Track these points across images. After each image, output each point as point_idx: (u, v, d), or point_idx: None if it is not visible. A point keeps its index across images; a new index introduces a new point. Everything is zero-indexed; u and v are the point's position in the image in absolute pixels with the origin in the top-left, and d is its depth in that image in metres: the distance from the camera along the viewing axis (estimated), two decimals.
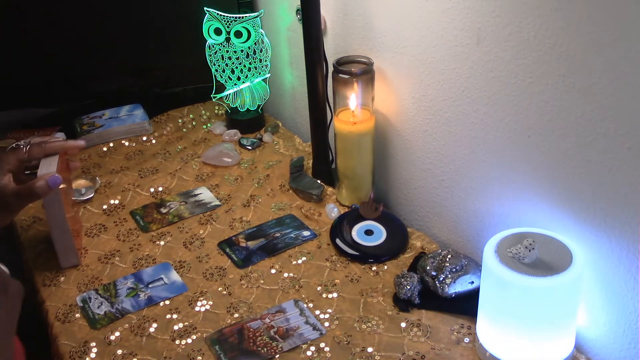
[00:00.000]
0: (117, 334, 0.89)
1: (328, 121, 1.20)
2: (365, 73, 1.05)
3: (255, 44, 1.35)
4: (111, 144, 1.38)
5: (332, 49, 1.21)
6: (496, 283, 0.76)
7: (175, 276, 1.00)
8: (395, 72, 1.05)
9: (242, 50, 1.34)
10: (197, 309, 0.94)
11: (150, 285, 0.98)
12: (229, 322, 0.91)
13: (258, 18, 1.32)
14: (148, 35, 1.46)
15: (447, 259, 0.92)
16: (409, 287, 0.91)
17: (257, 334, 0.88)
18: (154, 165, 1.31)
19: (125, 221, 1.15)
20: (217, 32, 1.33)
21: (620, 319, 0.77)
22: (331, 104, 1.16)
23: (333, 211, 1.13)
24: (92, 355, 0.86)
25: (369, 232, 1.06)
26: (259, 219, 1.14)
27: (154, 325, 0.91)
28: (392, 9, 1.01)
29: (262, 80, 1.40)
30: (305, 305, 0.93)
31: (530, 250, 0.74)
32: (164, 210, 1.17)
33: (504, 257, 0.75)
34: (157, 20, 1.45)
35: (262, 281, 0.99)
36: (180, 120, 1.46)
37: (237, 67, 1.36)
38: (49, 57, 1.42)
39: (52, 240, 0.99)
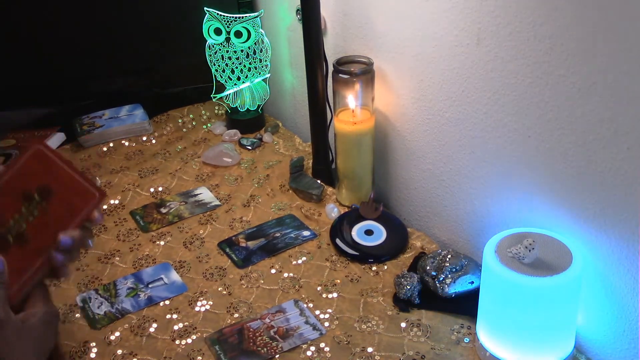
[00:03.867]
0: (117, 334, 0.89)
1: (328, 121, 1.20)
2: (365, 73, 1.05)
3: (255, 44, 1.35)
4: (111, 144, 1.38)
5: (332, 49, 1.21)
6: (496, 283, 0.76)
7: (175, 276, 1.00)
8: (395, 72, 1.05)
9: (242, 50, 1.34)
10: (197, 309, 0.94)
11: (150, 285, 0.98)
12: (229, 322, 0.91)
13: (258, 18, 1.32)
14: (148, 35, 1.46)
15: (447, 259, 0.92)
16: (409, 287, 0.91)
17: (257, 334, 0.88)
18: (154, 165, 1.31)
19: (125, 221, 1.15)
20: (217, 32, 1.33)
21: (620, 319, 0.77)
22: (331, 104, 1.16)
23: (333, 211, 1.13)
24: (92, 355, 0.86)
25: (369, 232, 1.06)
26: (259, 219, 1.14)
27: (154, 325, 0.91)
28: (392, 9, 1.01)
29: (262, 80, 1.40)
30: (305, 305, 0.93)
31: (530, 250, 0.74)
32: (164, 210, 1.17)
33: (504, 257, 0.75)
34: (157, 20, 1.45)
35: (262, 281, 0.99)
36: (180, 120, 1.46)
37: (237, 67, 1.36)
38: (49, 57, 1.42)
39: None
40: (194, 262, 1.04)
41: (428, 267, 0.92)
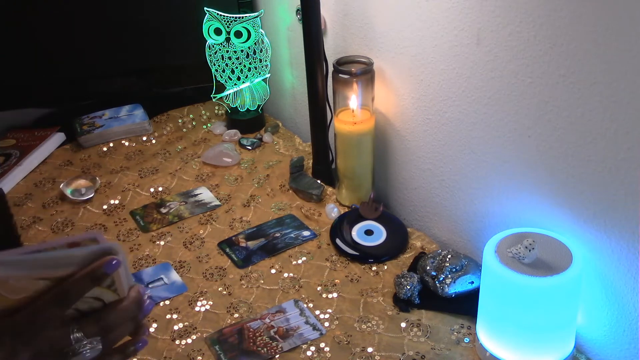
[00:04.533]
0: None
1: (328, 121, 1.20)
2: (365, 73, 1.05)
3: (255, 44, 1.35)
4: (111, 144, 1.38)
5: (332, 49, 1.21)
6: (496, 283, 0.76)
7: (175, 276, 1.00)
8: (395, 72, 1.05)
9: (242, 50, 1.34)
10: (197, 309, 0.94)
11: (150, 285, 0.98)
12: (229, 322, 0.91)
13: (258, 18, 1.32)
14: (148, 35, 1.46)
15: (447, 259, 0.92)
16: (409, 287, 0.91)
17: (257, 334, 0.88)
18: (154, 165, 1.31)
19: (125, 221, 1.15)
20: (217, 32, 1.33)
21: (620, 319, 0.77)
22: (331, 104, 1.16)
23: (333, 211, 1.13)
24: None
25: (369, 232, 1.06)
26: (259, 219, 1.14)
27: (154, 325, 0.91)
28: (392, 9, 1.01)
29: (262, 80, 1.40)
30: (305, 305, 0.93)
31: (530, 250, 0.74)
32: (164, 210, 1.17)
33: (504, 257, 0.75)
34: (158, 20, 1.45)
35: (262, 281, 0.99)
36: (180, 120, 1.46)
37: (237, 67, 1.36)
38: (49, 56, 1.42)
39: None
40: (194, 262, 1.04)
41: (428, 267, 0.92)
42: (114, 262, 0.54)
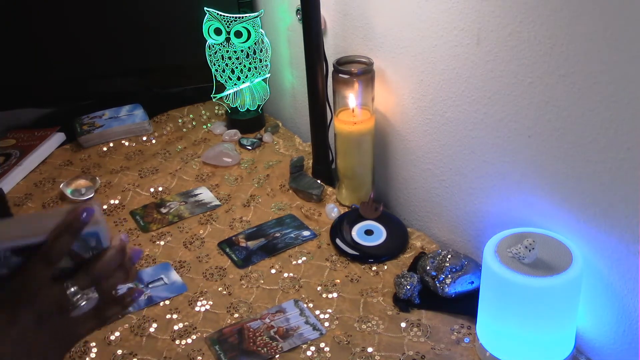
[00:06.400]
0: (117, 334, 0.89)
1: (328, 121, 1.20)
2: (365, 73, 1.05)
3: (255, 44, 1.35)
4: (111, 144, 1.38)
5: (332, 49, 1.21)
6: (496, 283, 0.76)
7: (175, 276, 1.00)
8: (395, 72, 1.05)
9: (242, 50, 1.34)
10: (197, 309, 0.94)
11: (150, 285, 0.98)
12: (229, 322, 0.91)
13: (258, 18, 1.32)
14: (148, 35, 1.46)
15: (447, 259, 0.92)
16: (409, 287, 0.91)
17: (257, 334, 0.88)
18: (154, 165, 1.31)
19: (125, 221, 1.15)
20: (217, 32, 1.33)
21: (620, 319, 0.77)
22: (331, 104, 1.16)
23: (333, 211, 1.13)
24: (92, 355, 0.86)
25: (369, 232, 1.06)
26: (259, 219, 1.14)
27: (154, 325, 0.91)
28: (392, 9, 1.01)
29: (262, 80, 1.40)
30: (305, 305, 0.93)
31: (530, 250, 0.74)
32: (164, 210, 1.17)
33: (504, 257, 0.75)
34: (158, 20, 1.45)
35: (262, 281, 0.99)
36: (180, 120, 1.46)
37: (237, 67, 1.36)
38: (49, 56, 1.42)
39: None
40: (194, 262, 1.04)
41: (428, 267, 0.92)
42: (88, 210, 0.57)
